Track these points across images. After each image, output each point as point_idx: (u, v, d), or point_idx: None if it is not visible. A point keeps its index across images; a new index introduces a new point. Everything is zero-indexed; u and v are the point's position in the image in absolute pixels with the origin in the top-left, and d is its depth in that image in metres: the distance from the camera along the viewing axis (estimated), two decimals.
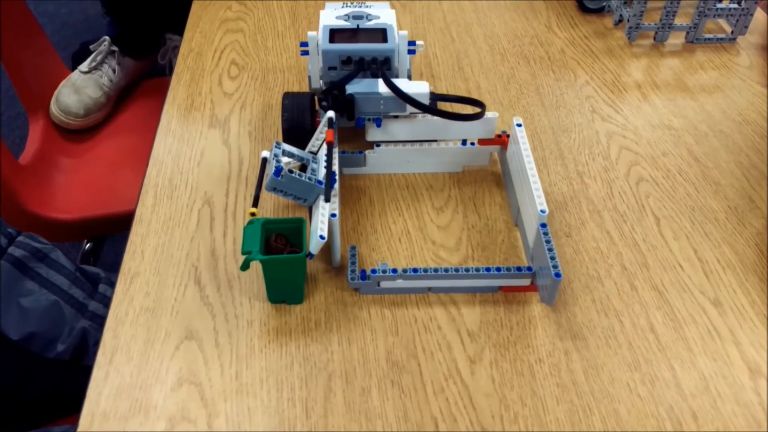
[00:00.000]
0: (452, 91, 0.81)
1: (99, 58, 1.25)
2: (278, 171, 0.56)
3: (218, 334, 0.55)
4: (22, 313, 0.76)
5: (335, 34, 0.66)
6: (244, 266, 0.54)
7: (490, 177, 0.70)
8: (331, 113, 0.61)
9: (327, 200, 0.55)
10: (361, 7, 0.71)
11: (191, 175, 0.69)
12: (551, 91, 0.82)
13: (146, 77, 1.36)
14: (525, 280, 0.58)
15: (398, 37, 0.66)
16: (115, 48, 1.27)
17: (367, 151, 0.68)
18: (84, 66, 1.24)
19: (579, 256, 0.62)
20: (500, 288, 0.59)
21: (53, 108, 1.19)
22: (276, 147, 0.59)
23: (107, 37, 1.27)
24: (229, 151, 0.72)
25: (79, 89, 1.20)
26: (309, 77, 0.71)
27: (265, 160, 0.60)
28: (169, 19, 1.34)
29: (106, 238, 1.45)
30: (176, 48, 1.35)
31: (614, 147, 0.74)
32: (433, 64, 0.85)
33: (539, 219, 0.56)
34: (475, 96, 0.80)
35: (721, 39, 0.91)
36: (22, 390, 0.78)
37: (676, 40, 0.91)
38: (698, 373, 0.54)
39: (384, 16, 0.69)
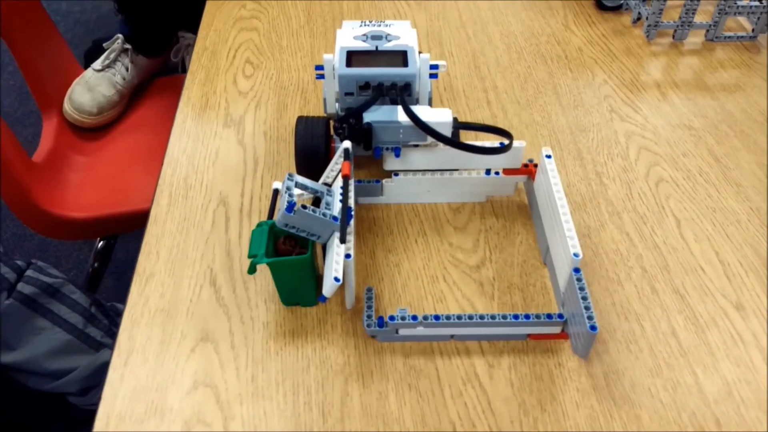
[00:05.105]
0: (468, 91, 0.80)
1: (112, 56, 1.25)
2: (291, 206, 0.52)
3: (234, 336, 0.55)
4: (33, 352, 0.74)
5: (353, 57, 0.62)
6: (251, 269, 0.53)
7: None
8: (347, 143, 0.57)
9: (342, 241, 0.51)
10: (380, 25, 0.67)
11: (206, 175, 0.69)
12: (569, 90, 0.81)
13: (159, 75, 1.36)
14: (556, 328, 0.54)
15: (419, 60, 0.62)
16: (128, 46, 1.26)
17: (384, 180, 0.65)
18: (97, 64, 1.24)
19: (598, 258, 0.61)
20: (528, 336, 0.55)
21: (66, 106, 1.19)
22: (288, 179, 0.56)
23: (120, 35, 1.27)
24: (244, 151, 0.72)
25: (92, 87, 1.20)
26: (324, 100, 0.66)
27: (276, 192, 0.58)
28: (181, 17, 1.34)
29: (118, 236, 1.45)
30: (189, 46, 1.36)
31: (633, 147, 0.73)
32: (449, 63, 0.85)
33: (572, 263, 0.53)
34: (491, 96, 0.80)
35: (742, 37, 0.89)
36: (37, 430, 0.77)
37: (695, 38, 0.90)
38: (721, 379, 0.53)
39: (404, 36, 0.65)
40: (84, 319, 0.79)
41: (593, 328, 0.50)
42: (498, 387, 0.52)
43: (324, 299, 0.52)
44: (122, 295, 0.59)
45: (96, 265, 1.37)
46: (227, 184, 0.68)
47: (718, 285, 0.59)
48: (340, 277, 0.51)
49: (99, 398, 0.51)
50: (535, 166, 0.64)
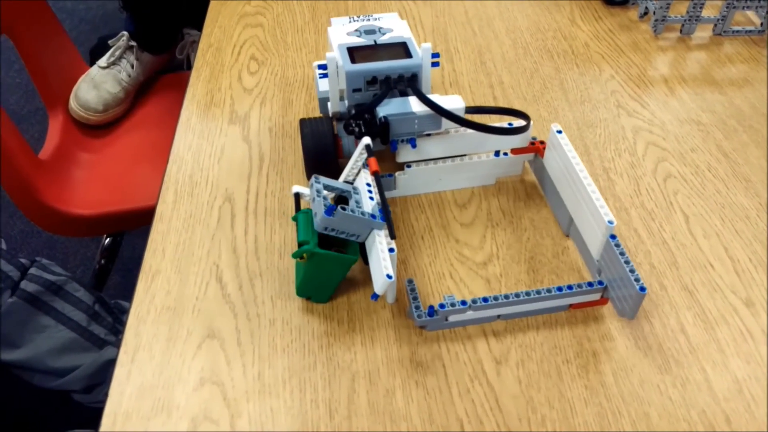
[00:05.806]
0: (474, 87, 0.80)
1: (117, 53, 1.25)
2: (331, 210, 0.51)
3: (240, 333, 0.55)
4: (37, 350, 0.74)
5: (354, 53, 0.62)
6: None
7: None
8: (367, 139, 0.56)
9: (393, 237, 0.52)
10: (369, 19, 0.67)
11: (211, 172, 0.69)
12: (575, 86, 0.80)
13: (164, 72, 1.36)
14: (595, 295, 0.56)
15: (422, 50, 0.62)
16: (133, 43, 1.26)
17: (397, 173, 0.65)
18: (102, 61, 1.24)
19: None
20: (570, 306, 0.56)
21: (72, 103, 1.19)
22: (316, 182, 0.55)
23: (125, 33, 1.27)
24: (249, 148, 0.71)
25: (97, 84, 1.20)
26: (321, 100, 0.65)
27: (298, 196, 0.57)
28: (186, 14, 1.34)
29: (124, 234, 1.45)
30: (194, 43, 1.35)
31: (641, 143, 0.73)
32: (455, 59, 0.84)
33: (607, 231, 0.53)
34: (497, 92, 0.79)
35: (750, 31, 0.89)
36: (40, 428, 0.77)
37: (703, 32, 0.89)
38: (731, 376, 0.52)
39: (397, 28, 0.65)
40: (88, 317, 0.79)
41: (642, 288, 0.51)
42: (505, 384, 0.52)
43: (376, 297, 0.52)
44: (129, 291, 0.59)
45: (103, 262, 1.38)
46: (233, 181, 0.68)
47: (728, 281, 0.59)
48: (392, 273, 0.50)
49: (104, 396, 0.51)
50: (542, 143, 0.65)
